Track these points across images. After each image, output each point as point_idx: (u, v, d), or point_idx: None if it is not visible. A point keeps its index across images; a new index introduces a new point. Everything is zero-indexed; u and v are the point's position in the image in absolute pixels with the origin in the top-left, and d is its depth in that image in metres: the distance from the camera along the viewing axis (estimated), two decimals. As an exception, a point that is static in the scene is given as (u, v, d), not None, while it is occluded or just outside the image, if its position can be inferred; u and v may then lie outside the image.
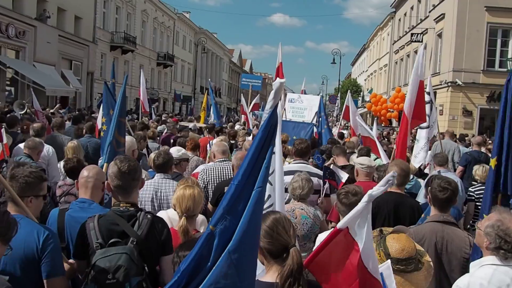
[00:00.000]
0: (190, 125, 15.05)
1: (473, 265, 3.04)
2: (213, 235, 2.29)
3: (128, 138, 6.23)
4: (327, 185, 5.66)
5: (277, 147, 3.42)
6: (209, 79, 22.58)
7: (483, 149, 10.84)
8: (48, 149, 6.81)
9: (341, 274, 2.50)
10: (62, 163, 6.58)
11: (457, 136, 15.95)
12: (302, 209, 4.61)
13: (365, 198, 2.44)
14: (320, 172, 5.89)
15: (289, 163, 6.40)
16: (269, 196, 3.32)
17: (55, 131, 8.69)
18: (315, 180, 5.44)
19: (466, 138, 16.47)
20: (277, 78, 2.55)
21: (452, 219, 3.97)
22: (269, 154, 2.36)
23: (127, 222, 3.01)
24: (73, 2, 29.43)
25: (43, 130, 7.65)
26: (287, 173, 5.14)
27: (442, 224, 3.79)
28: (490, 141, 17.21)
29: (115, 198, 3.16)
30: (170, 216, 3.98)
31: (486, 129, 25.36)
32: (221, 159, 6.01)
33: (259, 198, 2.29)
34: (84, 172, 3.70)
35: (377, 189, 2.42)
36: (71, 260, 3.16)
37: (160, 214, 4.00)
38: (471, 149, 10.99)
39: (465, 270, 3.44)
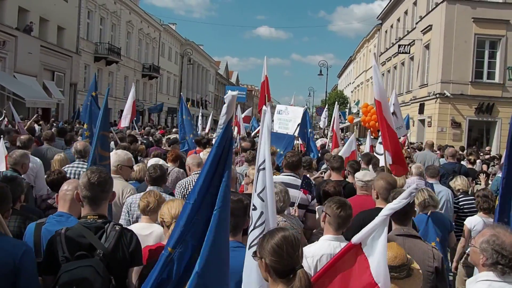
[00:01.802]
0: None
1: (469, 282, 3.03)
2: (172, 258, 2.28)
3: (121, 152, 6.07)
4: (314, 201, 5.53)
5: (267, 163, 3.23)
6: (181, 93, 22.20)
7: (478, 164, 10.67)
8: (36, 161, 6.66)
9: None
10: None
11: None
12: (285, 221, 4.52)
13: (384, 212, 2.43)
14: None
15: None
16: (261, 213, 3.14)
17: (46, 143, 8.56)
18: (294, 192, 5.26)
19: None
20: (229, 91, 2.48)
21: (414, 231, 3.92)
22: (228, 172, 2.30)
23: (94, 234, 2.98)
24: (56, 12, 28.84)
25: (30, 142, 7.58)
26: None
27: (403, 238, 3.73)
28: (481, 153, 17.02)
29: (84, 209, 3.15)
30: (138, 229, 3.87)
31: (474, 140, 25.39)
32: (196, 172, 5.93)
33: (221, 219, 2.25)
34: (64, 185, 3.73)
35: (398, 202, 2.42)
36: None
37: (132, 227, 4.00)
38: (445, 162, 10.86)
39: (430, 283, 3.51)
